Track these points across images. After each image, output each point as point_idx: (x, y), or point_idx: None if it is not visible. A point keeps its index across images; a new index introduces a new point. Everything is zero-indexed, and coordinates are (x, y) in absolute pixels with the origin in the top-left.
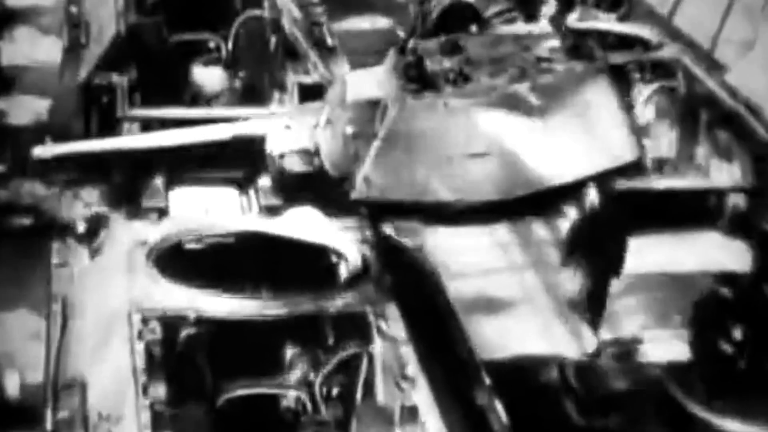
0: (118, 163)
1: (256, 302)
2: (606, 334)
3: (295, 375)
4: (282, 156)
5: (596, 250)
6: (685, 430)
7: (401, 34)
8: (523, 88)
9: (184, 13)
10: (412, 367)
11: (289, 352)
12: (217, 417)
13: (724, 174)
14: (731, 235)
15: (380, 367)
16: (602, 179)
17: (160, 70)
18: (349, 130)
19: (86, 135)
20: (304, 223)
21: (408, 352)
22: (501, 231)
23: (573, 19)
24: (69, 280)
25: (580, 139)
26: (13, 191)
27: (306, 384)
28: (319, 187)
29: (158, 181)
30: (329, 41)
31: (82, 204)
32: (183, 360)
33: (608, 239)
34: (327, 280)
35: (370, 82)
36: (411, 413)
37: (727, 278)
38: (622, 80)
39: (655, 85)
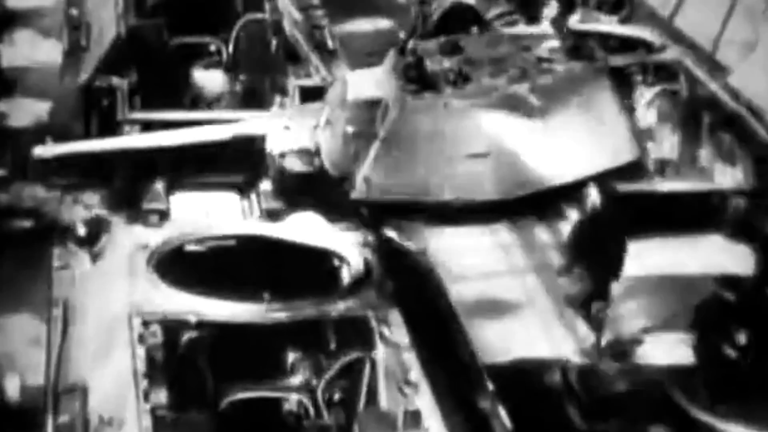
0: (119, 167)
1: (258, 306)
2: (608, 338)
3: (297, 379)
4: (282, 156)
5: (597, 252)
6: None
7: (402, 35)
8: (523, 89)
9: (184, 16)
10: (415, 373)
11: (291, 356)
12: (218, 421)
13: (727, 176)
14: (734, 237)
15: (383, 373)
16: (602, 179)
17: (160, 73)
18: (350, 129)
19: (86, 138)
20: (306, 228)
21: (411, 358)
22: (503, 233)
23: (574, 21)
24: (70, 283)
25: (580, 139)
26: (13, 194)
27: (308, 389)
28: (319, 187)
29: (159, 185)
30: (330, 44)
31: (83, 207)
32: (184, 364)
33: (609, 241)
34: (329, 285)
35: (371, 82)
36: (414, 419)
37: (730, 281)
38: (624, 83)
39: (657, 88)
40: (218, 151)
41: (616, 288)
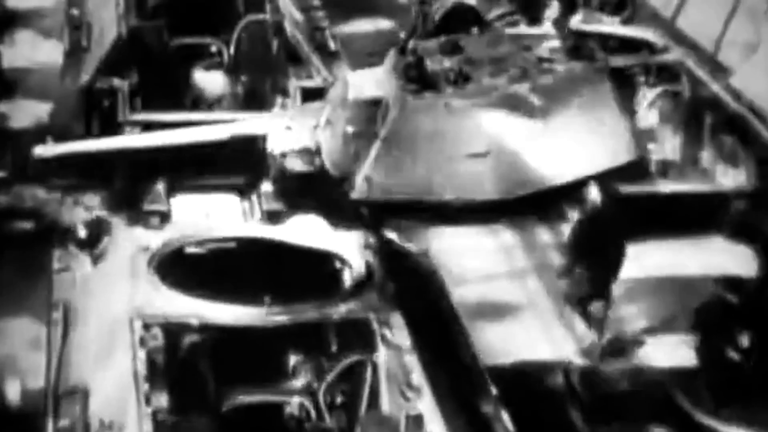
0: (119, 168)
1: (260, 309)
2: (610, 339)
3: (298, 382)
4: (283, 155)
5: (597, 251)
6: None
7: (403, 35)
8: (523, 89)
9: (185, 17)
10: (417, 376)
11: (293, 359)
12: (220, 424)
13: (729, 178)
14: (736, 239)
15: (384, 376)
16: (603, 179)
17: (161, 74)
18: (350, 129)
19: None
20: (308, 230)
21: (412, 361)
22: (504, 234)
23: (577, 22)
24: (70, 286)
25: (581, 139)
26: (14, 196)
27: (309, 392)
28: (320, 186)
29: (160, 187)
30: (331, 45)
31: (83, 209)
32: (186, 367)
33: (609, 240)
34: (330, 287)
35: (371, 82)
36: (416, 422)
37: (733, 283)
38: (626, 84)
39: (659, 89)
40: (218, 151)
41: (618, 289)
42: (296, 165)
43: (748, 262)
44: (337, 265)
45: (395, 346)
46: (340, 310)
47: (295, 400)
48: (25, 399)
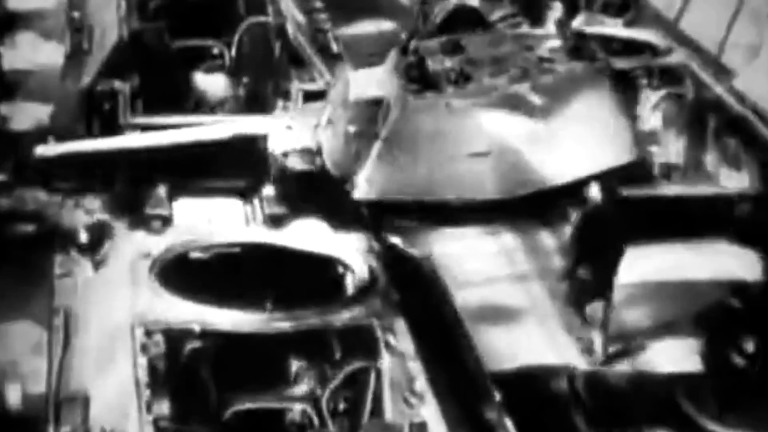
0: (121, 169)
1: (262, 315)
2: (614, 343)
3: (301, 389)
4: (284, 155)
5: (597, 250)
6: None
7: (405, 36)
8: (524, 88)
9: (186, 19)
10: (421, 383)
11: (295, 365)
12: (222, 431)
13: (733, 180)
14: (741, 242)
15: (388, 382)
16: (603, 179)
17: (162, 77)
18: (351, 129)
19: None
20: (310, 235)
21: (416, 367)
22: (507, 238)
23: (579, 24)
24: (72, 291)
25: (581, 139)
26: (15, 199)
27: (312, 398)
28: (321, 186)
29: (161, 190)
30: (334, 47)
31: (84, 212)
32: (187, 374)
33: (609, 239)
34: (333, 293)
35: (372, 81)
36: (419, 429)
37: (737, 287)
38: (629, 86)
39: (662, 92)
40: (219, 151)
41: (621, 293)
42: (297, 164)
43: (752, 266)
44: (340, 270)
45: (399, 353)
46: (343, 316)
47: (298, 407)
48: (26, 404)
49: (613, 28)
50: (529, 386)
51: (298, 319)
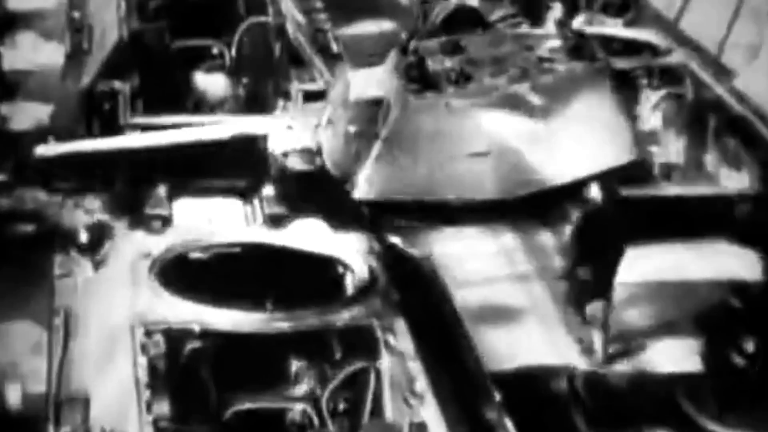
0: (121, 169)
1: (262, 315)
2: (614, 343)
3: (301, 389)
4: (284, 155)
5: (597, 249)
6: None
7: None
8: (524, 88)
9: (187, 19)
10: (421, 383)
11: (295, 365)
12: (222, 431)
13: (733, 181)
14: (741, 243)
15: (388, 383)
16: (603, 179)
17: (162, 77)
18: (351, 129)
19: None
20: (310, 235)
21: (416, 367)
22: (507, 237)
23: (580, 24)
24: (72, 292)
25: (581, 139)
26: (15, 199)
27: (312, 398)
28: (321, 186)
29: (161, 190)
30: (334, 48)
31: (84, 212)
32: (187, 374)
33: (609, 239)
34: (333, 293)
35: (372, 81)
36: (419, 430)
37: (738, 287)
38: (629, 86)
39: (662, 92)
40: (219, 151)
41: (621, 293)
42: (297, 164)
43: (752, 266)
44: (340, 270)
45: (399, 353)
46: (343, 316)
47: (298, 407)
48: (26, 404)
49: (613, 28)
50: (529, 386)
51: (298, 319)
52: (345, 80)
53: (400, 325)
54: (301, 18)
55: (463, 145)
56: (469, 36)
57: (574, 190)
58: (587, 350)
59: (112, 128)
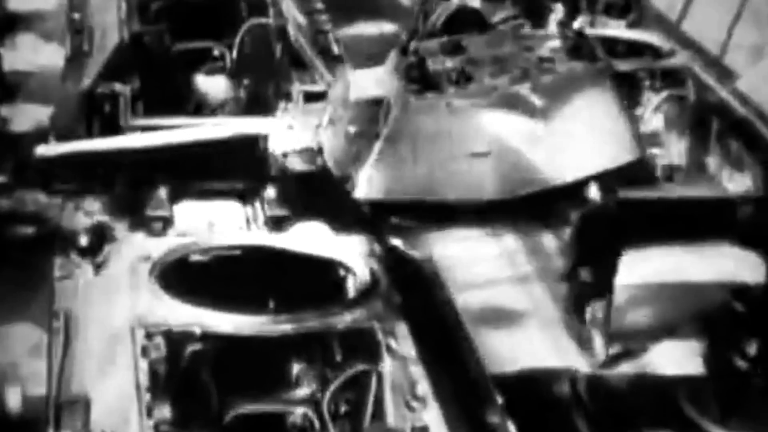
0: (122, 169)
1: (263, 318)
2: (616, 346)
3: (302, 392)
4: (285, 155)
5: (598, 253)
6: None
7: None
8: (524, 89)
9: (187, 21)
10: (422, 386)
11: (296, 368)
12: None
13: (736, 183)
14: (743, 245)
15: (389, 386)
16: (602, 179)
17: (163, 79)
18: (352, 129)
19: None
20: (311, 238)
21: (418, 371)
22: (508, 240)
23: (581, 26)
24: (72, 294)
25: (582, 139)
26: (16, 201)
27: (313, 401)
28: (321, 186)
29: (162, 192)
30: (335, 49)
31: (84, 214)
32: (188, 377)
33: (609, 242)
34: (334, 296)
35: (373, 81)
36: None
37: (739, 290)
38: (631, 88)
39: (664, 94)
40: (220, 152)
41: (622, 295)
42: (298, 164)
43: (755, 269)
44: (342, 273)
45: (400, 357)
46: (345, 319)
47: (299, 410)
48: (26, 405)
49: (616, 29)
50: (530, 389)
51: (299, 321)
52: (345, 80)
53: (402, 328)
54: (302, 19)
55: (463, 145)
56: (469, 36)
57: (575, 189)
58: (586, 344)
59: (113, 130)
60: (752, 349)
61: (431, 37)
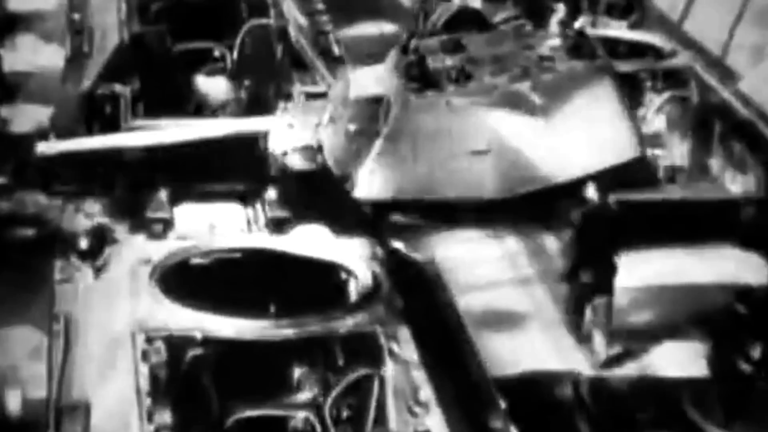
0: (122, 168)
1: (264, 322)
2: (619, 348)
3: (304, 396)
4: (285, 154)
5: (597, 253)
6: None
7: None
8: (524, 87)
9: (188, 22)
10: (425, 391)
11: (298, 372)
12: None
13: (738, 184)
14: (746, 247)
15: (392, 390)
16: (601, 178)
17: (163, 80)
18: (352, 127)
19: None
20: (313, 241)
21: (420, 376)
22: (510, 241)
23: (583, 26)
24: (72, 298)
25: (582, 137)
26: (16, 202)
27: (315, 406)
28: (322, 186)
29: (162, 194)
30: (335, 50)
31: (84, 216)
32: (189, 382)
33: (608, 242)
34: (336, 300)
35: (373, 80)
36: None
37: (742, 292)
38: (633, 89)
39: (667, 94)
40: (221, 153)
41: (626, 296)
42: (298, 163)
43: (758, 270)
44: (343, 276)
45: (403, 361)
46: (347, 323)
47: (300, 414)
48: (26, 408)
49: (617, 30)
50: (533, 392)
51: (301, 325)
52: (346, 78)
53: (404, 332)
54: (302, 20)
55: (463, 144)
56: (469, 35)
57: (575, 188)
58: (586, 342)
59: (113, 131)
60: (756, 352)
61: (431, 36)
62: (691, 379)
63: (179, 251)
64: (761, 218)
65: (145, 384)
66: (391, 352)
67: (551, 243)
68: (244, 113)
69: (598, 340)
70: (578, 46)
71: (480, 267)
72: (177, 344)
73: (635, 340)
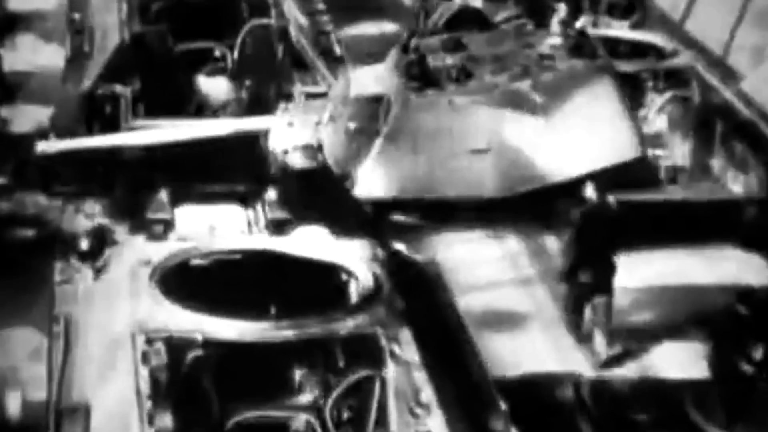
0: (122, 168)
1: (265, 324)
2: (620, 349)
3: (304, 398)
4: (285, 152)
5: (596, 253)
6: None
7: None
8: (525, 86)
9: (189, 22)
10: (426, 393)
11: (298, 374)
12: None
13: (740, 185)
14: (748, 247)
15: (393, 392)
16: (600, 178)
17: (164, 80)
18: (352, 126)
19: None
20: (313, 242)
21: (421, 377)
22: (511, 241)
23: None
24: (72, 299)
25: (583, 136)
26: (16, 203)
27: (316, 408)
28: (322, 186)
29: (163, 195)
30: (336, 50)
31: (84, 216)
32: (189, 384)
33: (607, 242)
34: (337, 301)
35: (373, 78)
36: None
37: (744, 293)
38: (634, 89)
39: (668, 94)
40: (221, 153)
41: (626, 298)
42: (298, 162)
43: (760, 271)
44: (344, 277)
45: (404, 362)
46: (348, 324)
47: (301, 416)
48: (26, 410)
49: (619, 30)
50: (534, 393)
51: (302, 327)
52: (346, 77)
53: (405, 333)
54: (303, 20)
55: (463, 142)
56: (470, 33)
57: (576, 187)
58: (586, 341)
59: (113, 132)
60: (757, 353)
61: (431, 35)
62: (693, 381)
63: (179, 252)
64: (763, 219)
65: (145, 386)
66: (392, 354)
67: (552, 243)
68: (245, 113)
69: (599, 340)
70: (579, 45)
71: (481, 267)
72: (177, 346)
73: (636, 341)
